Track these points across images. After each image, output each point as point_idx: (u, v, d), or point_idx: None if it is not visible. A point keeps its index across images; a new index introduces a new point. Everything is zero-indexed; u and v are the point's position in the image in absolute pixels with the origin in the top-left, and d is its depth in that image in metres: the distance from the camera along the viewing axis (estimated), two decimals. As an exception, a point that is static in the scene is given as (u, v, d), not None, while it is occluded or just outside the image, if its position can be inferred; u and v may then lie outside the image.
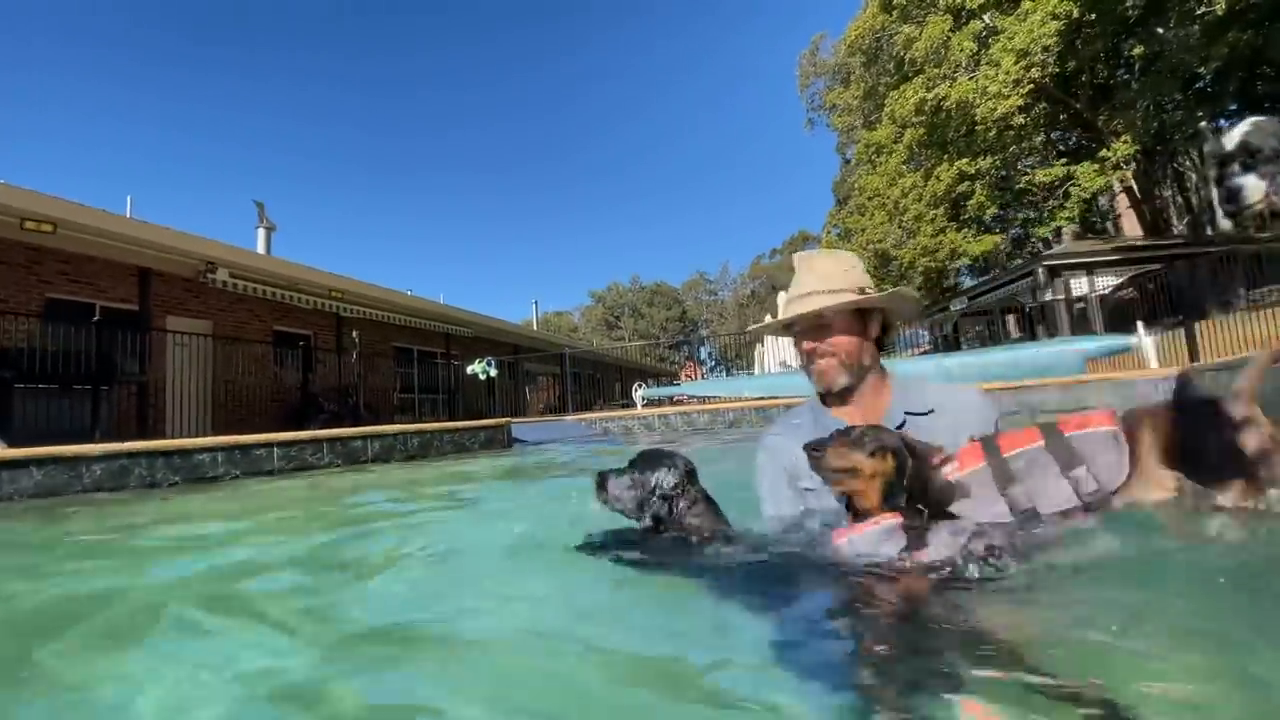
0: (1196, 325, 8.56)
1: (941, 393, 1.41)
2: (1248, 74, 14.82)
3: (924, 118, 17.64)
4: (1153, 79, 14.78)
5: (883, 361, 1.45)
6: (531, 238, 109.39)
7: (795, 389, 8.15)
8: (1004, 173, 18.50)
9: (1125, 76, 16.99)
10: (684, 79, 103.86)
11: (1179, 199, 24.66)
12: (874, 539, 1.08)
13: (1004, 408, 1.40)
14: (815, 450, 1.15)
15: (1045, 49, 14.26)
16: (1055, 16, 13.91)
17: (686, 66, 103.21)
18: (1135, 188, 19.68)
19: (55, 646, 1.16)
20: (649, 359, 36.67)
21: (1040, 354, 8.85)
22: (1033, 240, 21.87)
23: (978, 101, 15.30)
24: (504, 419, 7.60)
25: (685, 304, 64.62)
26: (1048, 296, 16.45)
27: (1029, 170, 18.47)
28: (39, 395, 7.58)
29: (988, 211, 18.77)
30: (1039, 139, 18.76)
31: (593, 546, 1.41)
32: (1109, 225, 23.77)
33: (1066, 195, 16.68)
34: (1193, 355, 8.23)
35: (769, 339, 11.73)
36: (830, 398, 1.43)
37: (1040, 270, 16.68)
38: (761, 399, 8.89)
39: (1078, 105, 17.61)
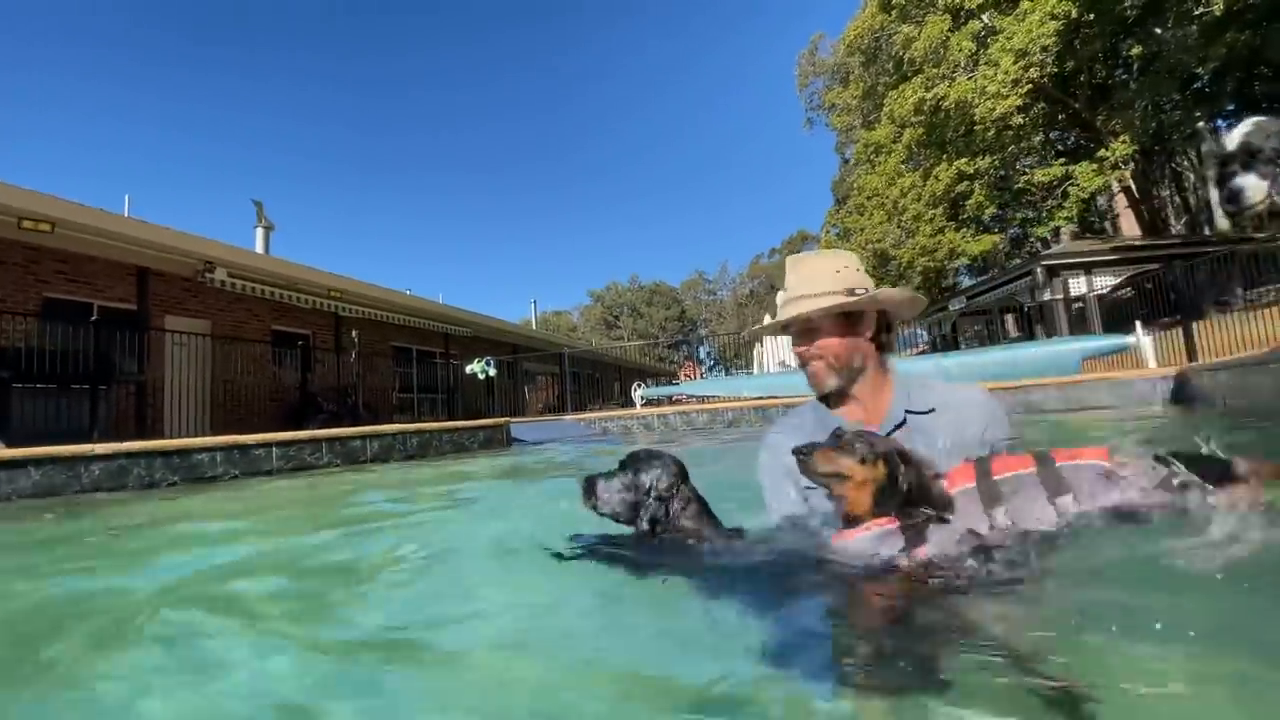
0: (1194, 325, 8.56)
1: (945, 391, 1.41)
2: (1245, 74, 14.85)
3: (923, 117, 17.66)
4: (1151, 79, 14.81)
5: (888, 360, 1.46)
6: (529, 237, 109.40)
7: (794, 388, 8.16)
8: (1003, 172, 18.53)
9: (1124, 76, 17.02)
10: (682, 78, 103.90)
11: (1177, 199, 24.73)
12: (871, 542, 1.08)
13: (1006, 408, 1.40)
14: (802, 454, 1.15)
15: (1044, 49, 14.28)
16: (1054, 16, 13.93)
17: (684, 66, 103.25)
18: (1133, 187, 19.71)
19: (54, 647, 1.16)
20: (648, 359, 36.66)
21: (1038, 353, 8.87)
22: (1031, 240, 21.90)
23: (976, 101, 15.32)
24: (503, 419, 7.60)
25: (684, 303, 64.63)
26: (1046, 296, 16.47)
27: (1027, 170, 18.49)
28: (37, 395, 7.56)
29: (986, 211, 18.79)
30: (1037, 139, 18.78)
31: (588, 549, 1.39)
32: (1107, 225, 23.82)
33: (1065, 195, 16.71)
34: (1190, 355, 8.24)
35: (768, 339, 11.74)
36: (829, 397, 1.43)
37: (1038, 270, 16.70)
38: (760, 399, 8.90)
39: (1076, 105, 17.64)
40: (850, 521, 1.13)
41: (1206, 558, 0.96)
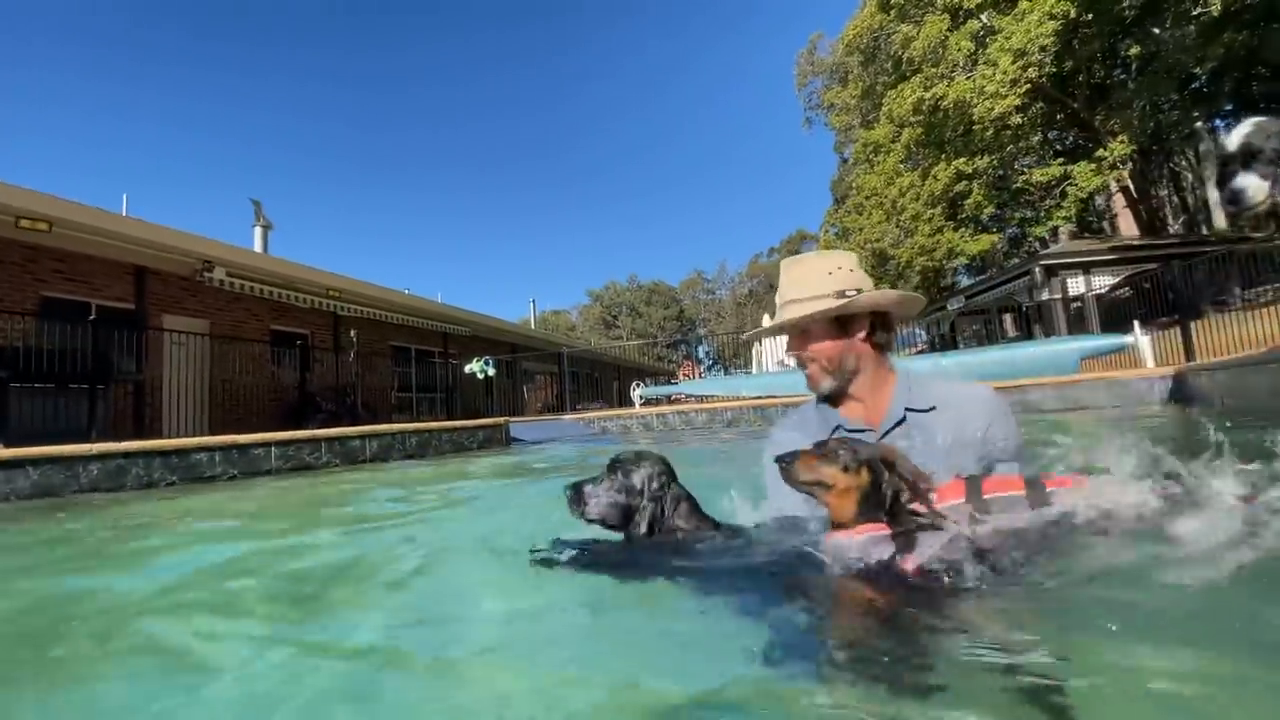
0: (1192, 324, 8.58)
1: (946, 389, 1.40)
2: (1243, 74, 14.88)
3: (921, 117, 17.67)
4: (1149, 79, 14.83)
5: (888, 358, 1.46)
6: (528, 236, 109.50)
7: (793, 388, 8.17)
8: (1001, 172, 18.55)
9: (1122, 76, 17.05)
10: (680, 78, 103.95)
11: (1175, 199, 24.77)
12: (864, 543, 1.08)
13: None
14: (784, 463, 1.14)
15: (1042, 49, 14.30)
16: (1052, 16, 13.95)
17: (683, 65, 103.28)
18: (1131, 187, 19.74)
19: (53, 647, 1.16)
20: (647, 358, 36.68)
21: (1037, 353, 8.89)
22: (1029, 240, 21.92)
23: (975, 101, 15.33)
24: (502, 418, 7.60)
25: (683, 303, 64.63)
26: (1044, 296, 16.50)
27: (1026, 170, 18.51)
28: (35, 395, 7.54)
29: (985, 211, 18.81)
30: (1036, 139, 18.81)
31: (586, 550, 1.38)
32: (1105, 225, 23.84)
33: (1063, 195, 16.74)
34: (1188, 354, 8.26)
35: (767, 338, 11.73)
36: (829, 398, 1.44)
37: (1037, 269, 16.72)
38: (759, 398, 8.90)
39: (1074, 105, 17.66)
40: (837, 529, 1.13)
41: (1205, 559, 0.96)
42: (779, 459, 1.15)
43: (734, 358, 20.91)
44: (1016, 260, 20.75)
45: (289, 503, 3.44)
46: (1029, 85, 14.97)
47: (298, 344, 12.74)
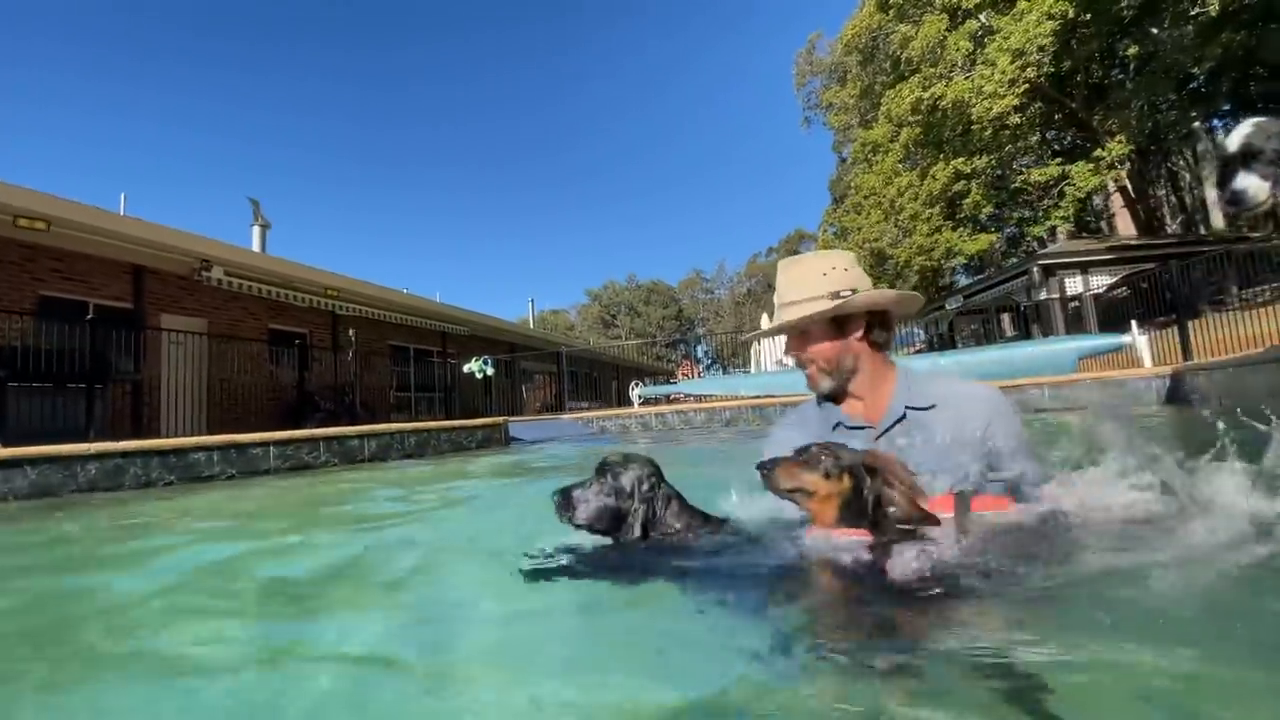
0: (1190, 324, 8.61)
1: (947, 387, 1.40)
2: (1241, 74, 14.91)
3: (920, 117, 17.69)
4: (1147, 79, 14.86)
5: (888, 356, 1.46)
6: (527, 235, 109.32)
7: (792, 387, 8.17)
8: (999, 172, 18.58)
9: (1120, 76, 17.08)
10: (679, 77, 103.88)
11: (1173, 198, 24.82)
12: (846, 541, 1.08)
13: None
14: (765, 470, 1.14)
15: (1041, 49, 14.32)
16: (1051, 16, 13.97)
17: (682, 65, 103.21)
18: (1129, 187, 19.77)
19: (51, 647, 1.15)
20: (646, 357, 36.68)
21: (1035, 352, 8.90)
22: (1028, 239, 21.94)
23: (973, 101, 15.35)
24: (501, 418, 7.59)
25: (682, 302, 64.62)
26: (1042, 295, 16.52)
27: (1024, 169, 18.55)
28: (33, 394, 7.53)
29: (983, 210, 18.85)
30: (1034, 138, 18.84)
31: (583, 551, 1.38)
32: (1103, 224, 23.88)
33: (1061, 194, 16.78)
34: (1186, 354, 8.28)
35: (765, 337, 11.74)
36: (828, 397, 1.44)
37: (1035, 269, 16.74)
38: (758, 397, 8.90)
39: (1073, 105, 17.69)
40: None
41: (1204, 559, 0.96)
42: (760, 466, 1.15)
43: (732, 357, 20.94)
44: (1014, 260, 20.78)
45: (287, 502, 3.43)
46: (1027, 85, 15.00)
47: (296, 343, 12.72)
